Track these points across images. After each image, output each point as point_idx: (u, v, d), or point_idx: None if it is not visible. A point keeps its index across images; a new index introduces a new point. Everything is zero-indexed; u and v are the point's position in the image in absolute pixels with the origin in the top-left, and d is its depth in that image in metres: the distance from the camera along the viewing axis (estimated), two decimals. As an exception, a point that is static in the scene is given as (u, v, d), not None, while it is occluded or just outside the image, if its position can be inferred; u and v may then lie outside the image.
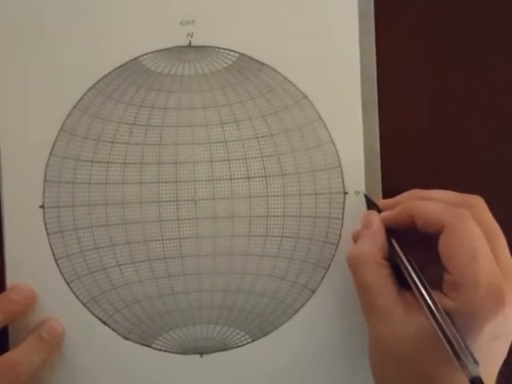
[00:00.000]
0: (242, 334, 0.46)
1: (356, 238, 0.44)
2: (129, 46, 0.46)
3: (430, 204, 0.41)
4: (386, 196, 0.46)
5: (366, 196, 0.45)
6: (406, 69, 0.47)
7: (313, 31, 0.46)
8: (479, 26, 0.47)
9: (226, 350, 0.46)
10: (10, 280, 0.46)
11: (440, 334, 0.37)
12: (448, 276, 0.39)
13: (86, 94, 0.46)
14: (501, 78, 0.48)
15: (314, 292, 0.46)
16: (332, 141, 0.46)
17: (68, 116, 0.46)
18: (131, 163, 0.46)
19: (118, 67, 0.46)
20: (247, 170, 0.46)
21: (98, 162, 0.46)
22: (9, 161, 0.46)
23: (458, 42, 0.47)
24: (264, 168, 0.46)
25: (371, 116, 0.46)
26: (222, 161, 0.46)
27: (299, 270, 0.46)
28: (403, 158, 0.47)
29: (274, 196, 0.46)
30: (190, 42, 0.47)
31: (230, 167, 0.46)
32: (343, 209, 0.46)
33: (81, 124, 0.46)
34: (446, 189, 0.43)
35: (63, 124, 0.46)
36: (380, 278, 0.40)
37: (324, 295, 0.46)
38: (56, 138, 0.46)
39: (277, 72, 0.46)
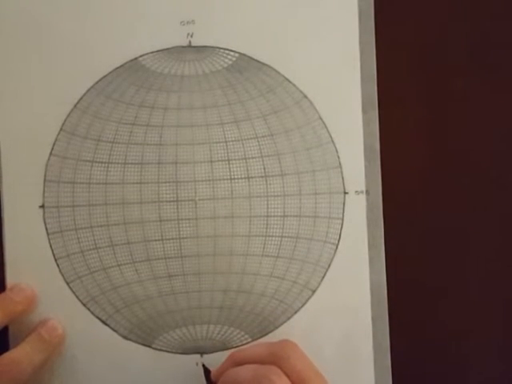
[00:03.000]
0: (242, 333, 0.46)
1: None
2: (129, 46, 0.46)
3: (241, 372, 0.41)
4: (386, 196, 0.46)
5: (203, 365, 0.45)
6: (406, 69, 0.47)
7: (313, 31, 0.46)
8: (479, 25, 0.47)
9: (226, 349, 0.46)
10: (10, 280, 0.46)
11: None
12: None
13: (85, 93, 0.46)
14: (501, 78, 0.48)
15: (314, 292, 0.46)
16: (332, 141, 0.46)
17: (68, 116, 0.46)
18: (131, 163, 0.46)
19: (118, 67, 0.46)
20: (247, 170, 0.46)
21: (98, 162, 0.46)
22: (9, 161, 0.46)
23: (458, 42, 0.47)
24: (264, 168, 0.46)
25: (371, 116, 0.46)
26: (222, 161, 0.46)
27: (299, 270, 0.46)
28: (403, 158, 0.47)
29: (274, 196, 0.46)
30: (190, 42, 0.47)
31: (230, 167, 0.46)
32: (343, 209, 0.46)
33: (81, 124, 0.46)
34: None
35: (63, 124, 0.46)
36: None
37: (324, 295, 0.46)
38: (56, 138, 0.46)
39: (277, 72, 0.46)
